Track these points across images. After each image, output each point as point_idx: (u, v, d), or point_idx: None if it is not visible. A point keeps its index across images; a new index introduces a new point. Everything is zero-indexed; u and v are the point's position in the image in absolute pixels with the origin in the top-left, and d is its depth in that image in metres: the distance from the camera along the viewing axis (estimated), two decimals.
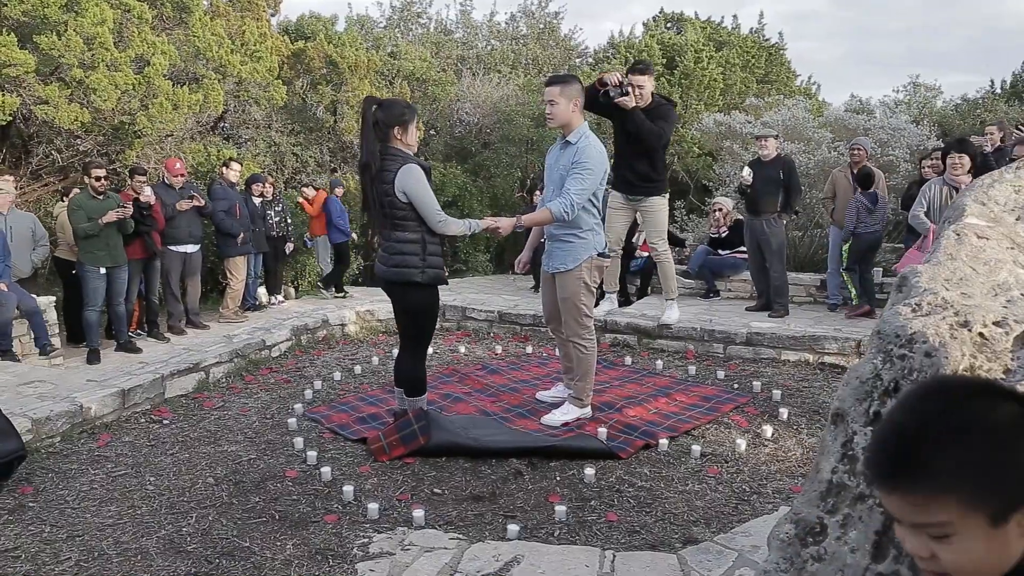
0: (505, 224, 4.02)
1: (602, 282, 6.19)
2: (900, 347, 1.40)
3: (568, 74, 4.25)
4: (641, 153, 5.60)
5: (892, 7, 56.60)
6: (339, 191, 9.38)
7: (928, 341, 1.36)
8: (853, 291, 7.06)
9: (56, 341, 6.30)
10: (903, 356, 1.40)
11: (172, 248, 6.89)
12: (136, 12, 8.41)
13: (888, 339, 1.43)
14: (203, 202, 6.88)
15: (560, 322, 4.38)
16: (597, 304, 6.87)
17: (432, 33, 18.58)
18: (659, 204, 5.81)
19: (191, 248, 7.02)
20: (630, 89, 5.31)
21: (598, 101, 5.30)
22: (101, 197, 6.03)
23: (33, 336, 5.98)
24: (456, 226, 3.86)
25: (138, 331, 6.89)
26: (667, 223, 6.03)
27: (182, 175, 7.00)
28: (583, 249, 4.17)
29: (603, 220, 4.58)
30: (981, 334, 1.38)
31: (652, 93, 5.66)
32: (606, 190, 5.14)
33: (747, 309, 7.16)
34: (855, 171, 7.36)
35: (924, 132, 10.41)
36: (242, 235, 7.32)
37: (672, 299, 6.27)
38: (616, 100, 5.27)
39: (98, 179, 6.03)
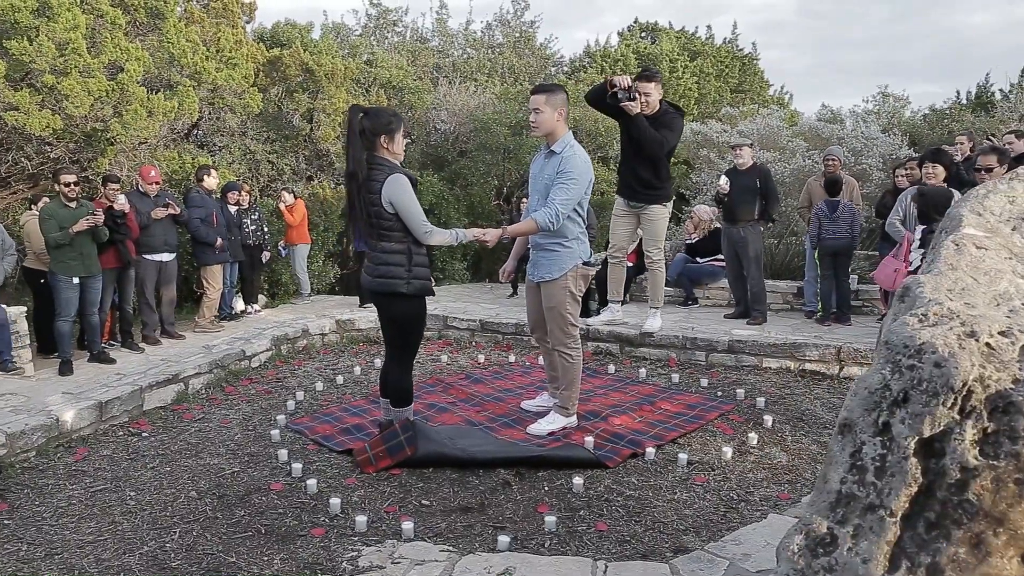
0: (492, 235, 4.00)
1: (591, 291, 6.19)
2: (909, 357, 1.41)
3: (555, 84, 4.25)
4: (645, 159, 5.61)
5: (858, 18, 57.76)
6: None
7: (937, 351, 1.37)
8: (820, 302, 7.17)
9: (27, 353, 6.16)
10: (912, 367, 1.40)
11: (147, 257, 6.78)
12: (109, 18, 8.28)
13: (897, 349, 1.44)
14: (178, 210, 6.77)
15: (545, 331, 4.37)
16: (597, 312, 6.89)
17: (408, 41, 18.57)
18: (660, 213, 5.84)
19: (166, 257, 6.91)
20: (637, 95, 5.32)
21: (605, 101, 5.33)
22: (73, 205, 5.90)
23: None
24: (442, 236, 3.83)
25: (111, 342, 6.75)
26: (665, 232, 6.06)
27: (157, 183, 6.89)
28: (568, 258, 4.16)
29: (587, 228, 4.59)
30: (988, 344, 1.40)
31: (660, 101, 5.66)
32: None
33: (725, 316, 7.21)
34: (824, 178, 7.49)
35: (895, 142, 10.60)
36: (219, 242, 7.23)
37: (657, 308, 6.29)
38: (622, 103, 5.28)
39: (67, 185, 5.89)
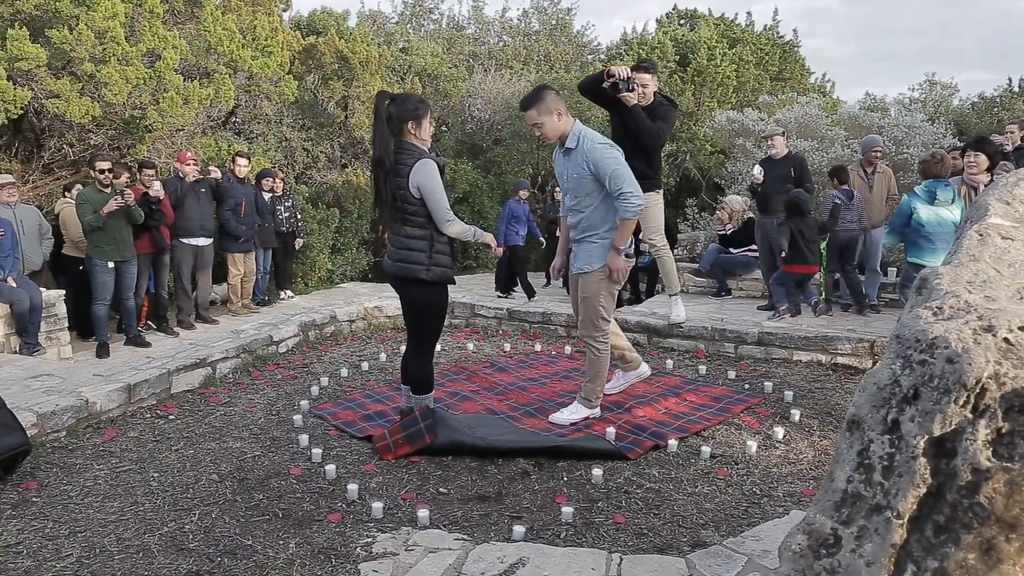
0: (558, 264, 4.45)
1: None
2: (920, 352, 1.34)
3: (535, 90, 4.19)
4: (639, 149, 5.53)
5: (905, 4, 56.15)
6: (523, 193, 9.24)
7: (950, 346, 1.30)
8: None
9: (65, 335, 6.31)
10: (923, 362, 1.33)
11: (184, 241, 6.87)
12: (147, 6, 8.40)
13: (908, 344, 1.37)
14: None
15: None
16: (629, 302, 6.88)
17: (444, 29, 18.54)
18: (653, 199, 5.73)
19: (203, 241, 7.00)
20: (635, 86, 5.30)
21: (602, 90, 5.30)
22: (107, 190, 6.02)
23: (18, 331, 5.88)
24: (461, 228, 3.82)
25: (148, 324, 6.88)
26: (662, 219, 5.97)
27: (193, 161, 6.95)
28: (605, 250, 4.12)
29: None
30: (1007, 339, 1.32)
31: (655, 92, 5.66)
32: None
33: (759, 308, 7.08)
34: (866, 169, 7.29)
35: (939, 131, 10.27)
36: (242, 240, 7.28)
37: (675, 294, 6.21)
38: (620, 94, 5.25)
39: (102, 172, 6.02)
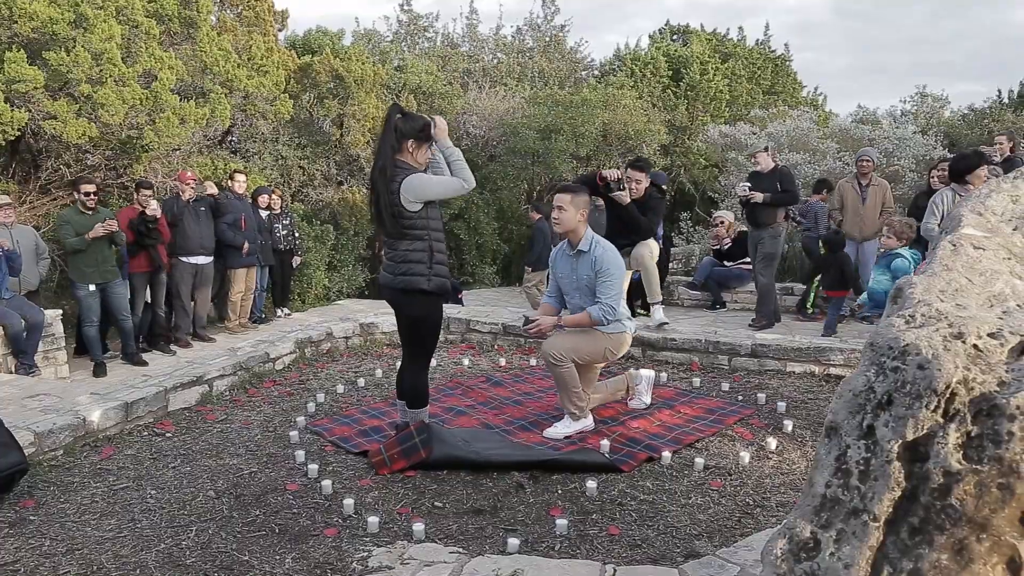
0: (547, 324, 4.33)
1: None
2: (893, 359, 1.39)
3: (579, 185, 4.66)
4: (631, 232, 6.06)
5: (896, 19, 56.65)
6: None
7: (921, 353, 1.35)
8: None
9: (62, 355, 6.33)
10: (896, 368, 1.38)
11: (183, 259, 6.88)
12: (144, 28, 8.49)
13: (881, 351, 1.41)
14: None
15: None
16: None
17: (439, 47, 18.69)
18: (647, 247, 6.16)
19: (203, 260, 7.03)
20: (626, 184, 5.92)
21: (598, 190, 5.83)
22: (90, 213, 6.04)
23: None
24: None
25: (142, 344, 6.89)
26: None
27: (193, 181, 7.01)
28: (621, 327, 4.43)
29: None
30: (975, 346, 1.37)
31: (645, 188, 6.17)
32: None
33: (749, 326, 7.16)
34: (860, 181, 7.43)
35: (930, 142, 10.38)
36: (246, 247, 7.33)
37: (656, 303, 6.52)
38: (612, 194, 5.86)
39: (87, 194, 6.04)
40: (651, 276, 6.31)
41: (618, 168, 6.10)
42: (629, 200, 5.92)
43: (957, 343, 1.36)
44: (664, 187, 7.17)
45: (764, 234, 7.06)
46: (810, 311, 7.77)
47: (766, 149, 7.40)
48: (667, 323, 6.40)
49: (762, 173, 7.06)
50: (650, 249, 6.17)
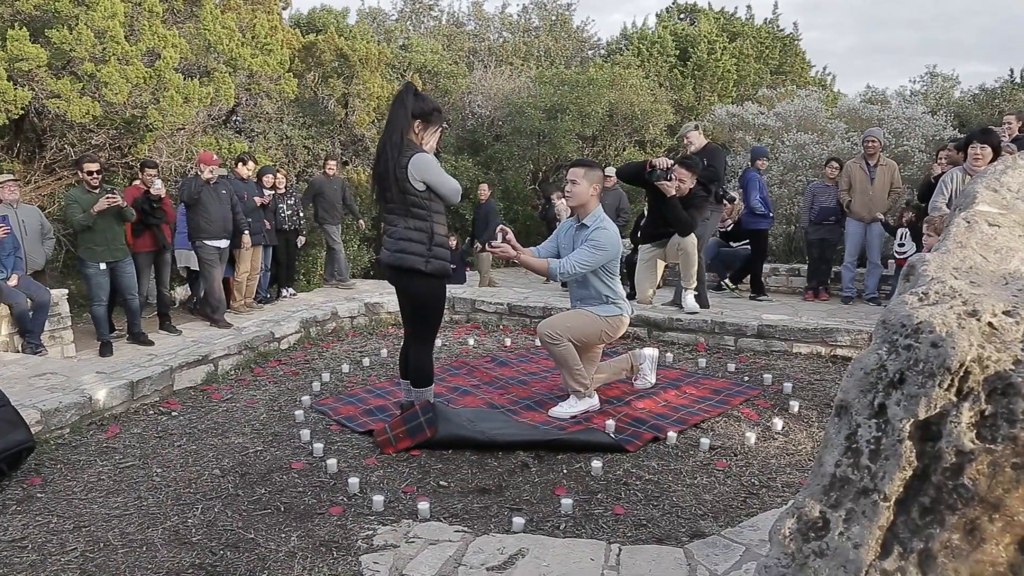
0: (507, 250, 4.16)
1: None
2: (906, 337, 1.36)
3: (593, 160, 4.62)
4: (670, 224, 6.08)
5: None
6: (762, 163, 8.48)
7: (934, 331, 1.32)
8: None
9: (68, 334, 6.34)
10: (909, 346, 1.35)
11: (208, 243, 6.80)
12: (147, 5, 8.42)
13: (894, 329, 1.39)
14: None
15: None
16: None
17: (444, 26, 18.53)
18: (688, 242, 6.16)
19: (224, 243, 6.98)
20: (674, 176, 5.87)
21: (643, 177, 5.88)
22: (96, 191, 6.02)
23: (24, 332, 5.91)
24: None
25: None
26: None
27: (215, 163, 6.93)
28: (610, 311, 4.39)
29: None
30: (990, 323, 1.34)
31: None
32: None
33: (750, 298, 7.25)
34: (868, 161, 7.33)
35: (940, 122, 10.27)
36: (244, 238, 7.23)
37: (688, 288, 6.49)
38: (657, 182, 5.81)
39: (90, 173, 6.02)
40: (690, 263, 6.25)
41: (669, 161, 5.96)
42: (674, 192, 5.90)
43: (972, 321, 1.33)
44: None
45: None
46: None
47: (696, 127, 7.14)
48: (698, 311, 6.41)
49: (695, 154, 6.90)
50: (695, 240, 6.18)
